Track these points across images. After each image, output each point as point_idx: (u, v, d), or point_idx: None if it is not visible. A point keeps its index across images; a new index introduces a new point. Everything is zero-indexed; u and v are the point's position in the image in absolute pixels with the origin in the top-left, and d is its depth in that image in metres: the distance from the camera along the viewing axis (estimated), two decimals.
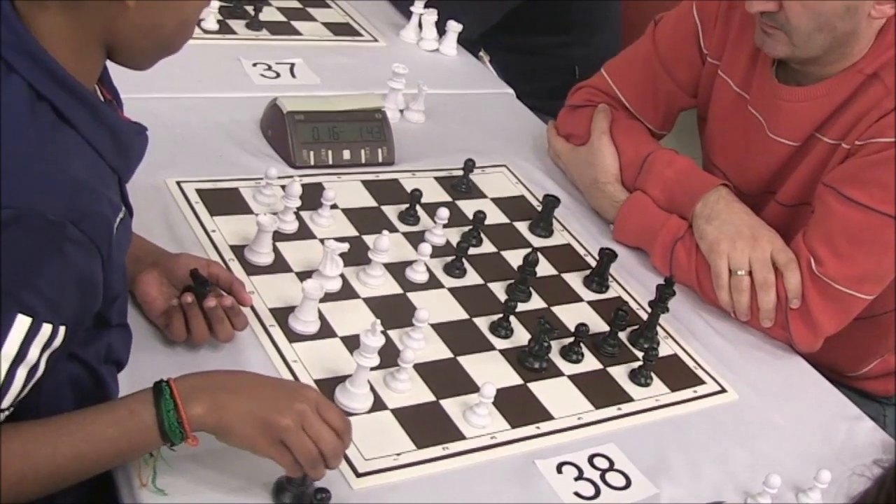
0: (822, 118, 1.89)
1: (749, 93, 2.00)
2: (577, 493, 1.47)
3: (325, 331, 1.61)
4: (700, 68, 2.11)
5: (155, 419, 1.21)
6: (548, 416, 1.59)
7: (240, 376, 1.32)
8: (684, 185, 1.98)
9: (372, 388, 1.51)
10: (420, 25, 2.59)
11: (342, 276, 1.70)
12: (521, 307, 1.74)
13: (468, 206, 1.99)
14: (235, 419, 1.24)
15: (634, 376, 1.71)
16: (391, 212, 1.92)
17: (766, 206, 2.01)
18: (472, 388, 1.57)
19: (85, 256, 1.16)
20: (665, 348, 1.80)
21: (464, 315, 1.74)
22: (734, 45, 2.02)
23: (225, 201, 1.82)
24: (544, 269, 1.90)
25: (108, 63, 1.29)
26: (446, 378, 1.59)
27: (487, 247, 1.92)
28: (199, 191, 1.83)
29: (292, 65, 2.33)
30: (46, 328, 1.14)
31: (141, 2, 1.18)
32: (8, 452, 1.13)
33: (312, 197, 1.83)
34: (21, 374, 1.13)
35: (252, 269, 1.68)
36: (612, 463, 1.54)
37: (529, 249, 1.84)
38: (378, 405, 1.50)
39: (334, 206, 1.86)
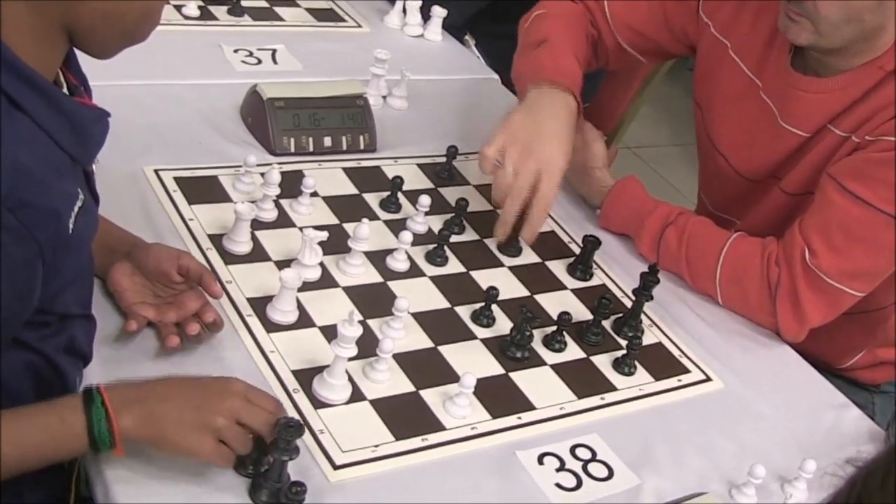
0: (837, 110, 1.86)
1: (762, 79, 1.97)
2: (558, 485, 1.45)
3: (304, 320, 1.59)
4: (694, 24, 2.07)
5: (85, 428, 1.20)
6: (529, 406, 1.57)
7: (170, 383, 1.29)
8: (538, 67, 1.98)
9: (350, 379, 1.49)
10: (404, 11, 2.57)
11: (321, 264, 1.68)
12: (503, 295, 1.71)
13: (451, 194, 1.97)
14: (169, 429, 1.24)
15: (618, 365, 1.69)
16: (372, 199, 1.90)
17: (769, 193, 1.99)
18: (453, 378, 1.55)
19: (20, 247, 1.12)
20: (649, 336, 1.78)
21: (445, 304, 1.72)
22: (750, 29, 1.98)
23: (203, 189, 1.80)
24: (528, 256, 1.88)
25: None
26: (426, 368, 1.57)
27: (470, 234, 1.89)
28: (177, 179, 1.81)
29: (274, 51, 2.30)
30: None
31: None
32: None
33: (292, 184, 1.81)
34: None
35: (230, 258, 1.66)
36: (594, 453, 1.52)
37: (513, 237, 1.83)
38: (356, 396, 1.48)
39: (314, 194, 1.84)
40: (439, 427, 1.48)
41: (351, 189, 1.92)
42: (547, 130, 1.85)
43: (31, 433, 1.18)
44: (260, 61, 2.25)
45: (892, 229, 1.76)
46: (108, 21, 1.20)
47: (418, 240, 1.80)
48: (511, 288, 1.79)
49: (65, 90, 1.25)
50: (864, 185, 1.77)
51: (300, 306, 1.60)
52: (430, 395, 1.53)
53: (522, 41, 2.09)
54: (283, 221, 1.77)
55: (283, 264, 1.66)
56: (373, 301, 1.66)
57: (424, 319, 1.66)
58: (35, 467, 1.21)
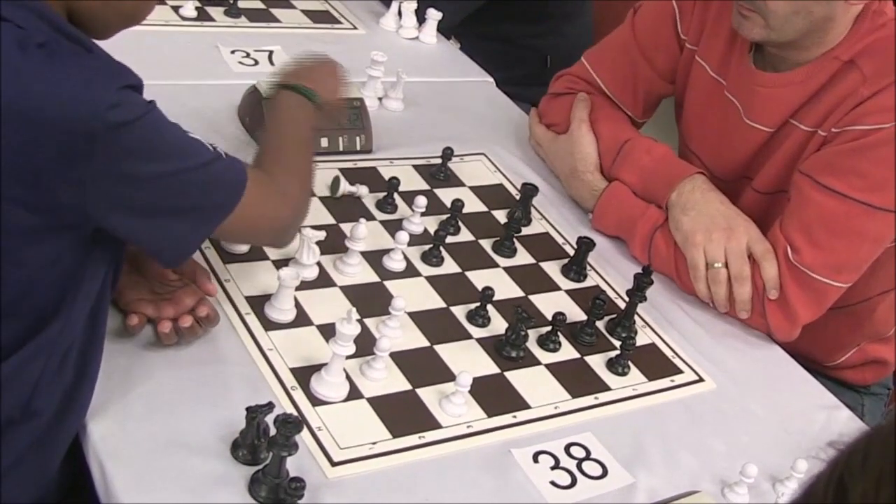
0: (797, 104, 1.89)
1: (726, 78, 2.00)
2: (552, 483, 1.47)
3: (302, 319, 1.60)
4: (678, 55, 2.11)
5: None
6: (524, 405, 1.58)
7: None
8: (661, 173, 1.97)
9: (348, 377, 1.50)
10: (400, 13, 2.58)
11: (319, 264, 1.70)
12: (498, 295, 1.72)
13: (446, 195, 1.98)
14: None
15: (612, 365, 1.71)
16: (369, 200, 1.91)
17: (742, 193, 2.01)
18: (449, 376, 1.56)
19: None
20: (643, 337, 1.80)
21: (441, 304, 1.73)
22: (711, 30, 2.02)
23: None
24: (522, 257, 1.90)
25: None
26: (423, 367, 1.59)
27: (465, 235, 1.91)
28: None
29: (271, 52, 2.31)
30: None
31: None
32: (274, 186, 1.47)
33: None
34: None
35: (228, 257, 1.67)
36: (588, 452, 1.54)
37: (507, 238, 1.85)
38: (354, 394, 1.50)
39: (311, 194, 1.85)
40: (435, 425, 1.50)
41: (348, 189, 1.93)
42: (717, 210, 1.90)
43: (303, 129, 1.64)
44: (257, 62, 2.26)
45: (870, 218, 1.79)
46: (108, 4, 1.28)
47: (414, 240, 1.81)
48: (506, 288, 1.80)
49: None
50: (837, 177, 1.79)
51: (298, 305, 1.61)
52: (426, 394, 1.54)
53: (602, 148, 2.06)
54: None
55: (281, 263, 1.67)
56: (369, 300, 1.67)
57: (420, 319, 1.68)
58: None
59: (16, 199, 1.20)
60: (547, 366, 1.67)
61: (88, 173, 1.20)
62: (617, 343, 1.74)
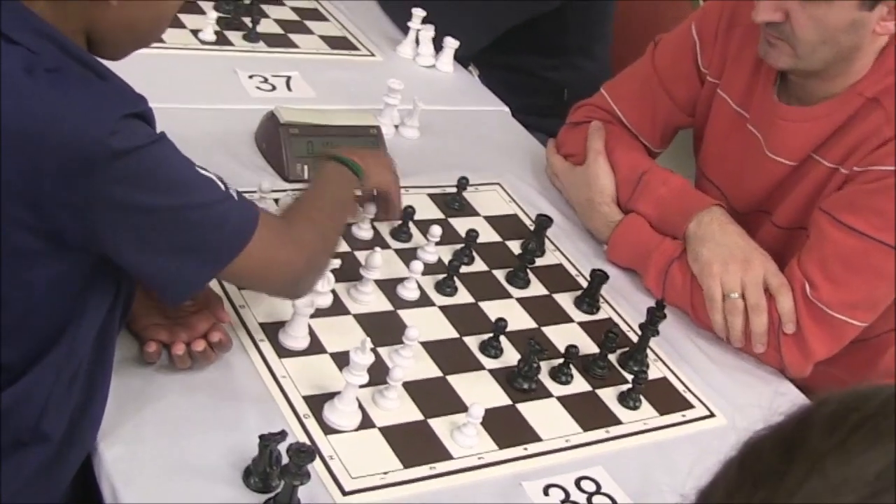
0: (820, 139, 1.89)
1: (748, 111, 2.00)
2: None
3: (315, 347, 1.61)
4: (698, 86, 2.11)
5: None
6: (535, 438, 1.58)
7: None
8: (679, 204, 1.98)
9: (360, 406, 1.51)
10: (417, 41, 2.59)
11: (333, 291, 1.70)
12: (511, 326, 1.73)
13: (461, 224, 1.99)
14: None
15: (623, 399, 1.71)
16: (383, 228, 1.92)
17: (761, 227, 2.01)
18: (461, 407, 1.56)
19: None
20: (654, 371, 1.79)
21: (454, 334, 1.73)
22: (734, 63, 2.03)
23: None
24: (535, 289, 1.90)
25: None
26: (435, 397, 1.59)
27: (479, 265, 1.91)
28: None
29: (288, 78, 2.32)
30: None
31: (123, 1, 1.25)
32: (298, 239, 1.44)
33: None
34: None
35: None
36: (599, 486, 1.54)
37: (520, 269, 1.86)
38: (366, 423, 1.50)
39: None
40: (447, 456, 1.50)
41: None
42: (735, 243, 1.90)
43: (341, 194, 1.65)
44: (274, 87, 2.27)
45: (888, 257, 1.79)
46: (126, 28, 1.31)
47: (428, 269, 1.81)
48: (519, 319, 1.81)
49: None
50: (858, 216, 1.80)
51: (312, 332, 1.62)
52: (438, 424, 1.54)
53: (620, 178, 2.07)
54: None
55: None
56: (383, 329, 1.68)
57: (433, 348, 1.68)
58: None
59: (19, 221, 1.21)
60: (559, 398, 1.67)
61: (87, 200, 1.21)
62: (629, 377, 1.74)
